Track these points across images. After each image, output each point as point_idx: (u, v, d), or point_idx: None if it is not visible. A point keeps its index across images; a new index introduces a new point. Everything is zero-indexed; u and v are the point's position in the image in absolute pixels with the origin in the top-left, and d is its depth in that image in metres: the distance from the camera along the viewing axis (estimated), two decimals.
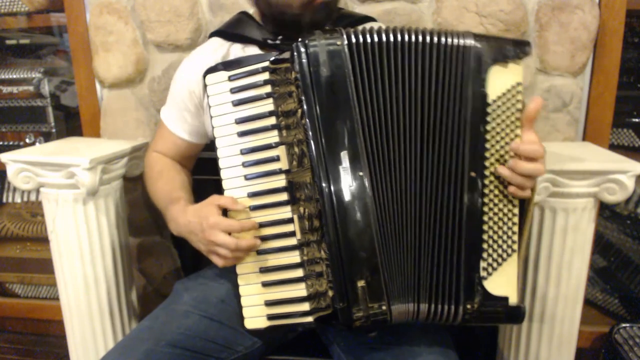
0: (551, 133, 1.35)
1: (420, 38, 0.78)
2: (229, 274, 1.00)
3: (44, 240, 1.89)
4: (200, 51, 1.05)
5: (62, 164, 1.20)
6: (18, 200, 1.94)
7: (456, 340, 0.92)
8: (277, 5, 0.90)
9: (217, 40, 1.04)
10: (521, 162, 0.76)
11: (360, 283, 0.79)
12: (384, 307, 0.80)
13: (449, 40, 0.78)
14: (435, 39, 0.78)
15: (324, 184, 0.78)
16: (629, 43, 1.52)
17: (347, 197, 0.78)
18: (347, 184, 0.78)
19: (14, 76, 1.78)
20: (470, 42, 0.78)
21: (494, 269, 0.80)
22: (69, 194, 1.22)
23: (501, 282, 0.80)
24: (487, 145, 0.78)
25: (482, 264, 0.80)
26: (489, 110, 0.78)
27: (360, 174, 0.78)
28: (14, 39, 1.84)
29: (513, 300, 0.80)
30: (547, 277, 1.14)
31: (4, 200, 1.95)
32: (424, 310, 0.82)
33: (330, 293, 0.82)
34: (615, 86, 1.34)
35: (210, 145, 1.15)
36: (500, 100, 0.78)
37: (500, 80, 0.78)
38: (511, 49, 0.78)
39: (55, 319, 1.81)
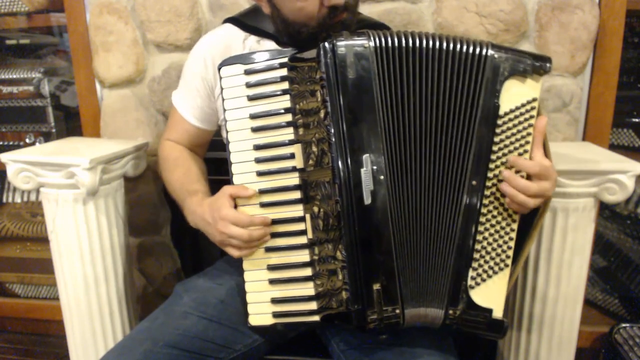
0: (551, 133, 1.35)
1: (437, 44, 0.77)
2: (230, 275, 1.00)
3: (44, 240, 1.89)
4: (214, 37, 1.04)
5: (62, 164, 1.20)
6: (18, 200, 1.95)
7: (456, 340, 0.92)
8: (295, 23, 0.89)
9: (231, 27, 1.03)
10: (515, 175, 0.77)
11: (376, 286, 0.79)
12: (397, 311, 0.80)
13: (467, 48, 0.77)
14: (452, 45, 0.77)
15: (344, 185, 0.78)
16: (629, 43, 1.52)
17: (367, 200, 0.78)
18: (368, 187, 0.78)
19: (14, 76, 1.78)
20: (488, 51, 0.77)
21: (483, 280, 0.81)
22: (69, 194, 1.22)
23: (488, 294, 0.81)
24: (493, 157, 0.78)
25: (471, 273, 0.80)
26: (499, 122, 0.78)
27: (381, 177, 0.78)
28: (14, 39, 1.84)
29: (497, 314, 0.81)
30: (547, 277, 1.14)
31: (4, 200, 1.95)
32: (430, 314, 0.82)
33: (344, 294, 0.82)
34: (615, 86, 1.34)
35: (210, 146, 1.16)
36: (512, 114, 0.78)
37: (515, 94, 0.77)
38: (530, 63, 0.77)
39: (55, 319, 1.81)
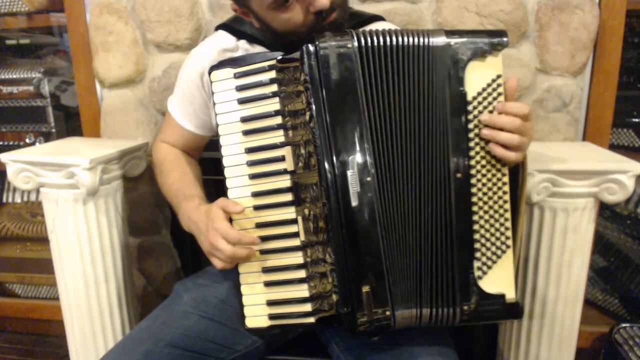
0: (551, 133, 1.35)
1: (411, 41, 0.78)
2: (229, 274, 1.00)
3: (44, 240, 1.89)
4: (209, 44, 1.04)
5: (62, 164, 1.20)
6: (18, 200, 1.94)
7: (456, 340, 0.92)
8: (285, 33, 0.89)
9: (224, 34, 1.04)
10: (493, 115, 0.76)
11: (365, 288, 0.79)
12: (387, 313, 0.80)
13: (425, 40, 0.78)
14: (417, 40, 0.77)
15: (331, 188, 0.78)
16: (629, 43, 1.52)
17: (354, 201, 0.77)
18: (355, 188, 0.77)
19: (14, 76, 1.78)
20: (442, 40, 0.77)
21: (489, 268, 0.80)
22: (69, 194, 1.22)
23: (497, 280, 0.80)
24: (471, 144, 0.78)
25: (476, 264, 0.80)
26: (469, 108, 0.78)
27: (368, 179, 0.77)
28: (14, 39, 1.84)
29: (510, 296, 0.80)
30: (547, 277, 1.14)
31: (4, 200, 1.95)
32: (426, 314, 0.82)
33: (334, 296, 0.82)
34: (615, 86, 1.34)
35: (210, 146, 1.16)
36: (481, 96, 0.78)
37: (479, 76, 0.77)
38: (487, 41, 0.77)
39: (55, 319, 1.81)
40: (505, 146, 0.77)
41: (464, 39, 0.77)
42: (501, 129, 0.76)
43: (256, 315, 0.86)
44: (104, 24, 1.44)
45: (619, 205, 1.65)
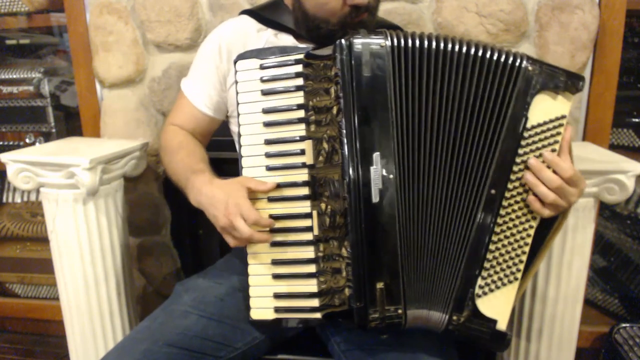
0: None
1: (464, 49, 0.77)
2: (230, 274, 1.00)
3: (44, 240, 1.89)
4: (230, 27, 1.03)
5: (62, 164, 1.20)
6: (18, 200, 1.95)
7: (457, 340, 0.92)
8: (315, 18, 0.90)
9: (248, 19, 1.03)
10: (542, 165, 0.76)
11: (379, 285, 0.79)
12: (399, 311, 0.80)
13: (501, 56, 0.77)
14: (480, 52, 0.77)
15: (353, 182, 0.78)
16: (629, 43, 1.52)
17: (375, 198, 0.77)
18: (376, 185, 0.77)
19: (14, 76, 1.78)
20: (523, 63, 0.77)
21: (491, 290, 0.80)
22: (69, 194, 1.22)
23: (495, 305, 0.80)
24: (515, 169, 0.78)
25: (480, 282, 0.80)
26: (525, 134, 0.77)
27: (391, 176, 0.77)
28: (14, 39, 1.84)
29: (501, 326, 0.80)
30: (547, 277, 1.14)
31: (4, 200, 1.96)
32: (432, 316, 0.82)
33: (347, 291, 0.81)
34: (615, 86, 1.34)
35: (214, 145, 1.15)
36: (539, 128, 0.77)
37: (544, 108, 0.77)
38: (563, 80, 0.77)
39: (55, 319, 1.81)
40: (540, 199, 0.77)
41: (543, 69, 0.77)
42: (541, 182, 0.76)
43: (262, 307, 0.86)
44: (104, 24, 1.44)
45: (619, 205, 1.65)
